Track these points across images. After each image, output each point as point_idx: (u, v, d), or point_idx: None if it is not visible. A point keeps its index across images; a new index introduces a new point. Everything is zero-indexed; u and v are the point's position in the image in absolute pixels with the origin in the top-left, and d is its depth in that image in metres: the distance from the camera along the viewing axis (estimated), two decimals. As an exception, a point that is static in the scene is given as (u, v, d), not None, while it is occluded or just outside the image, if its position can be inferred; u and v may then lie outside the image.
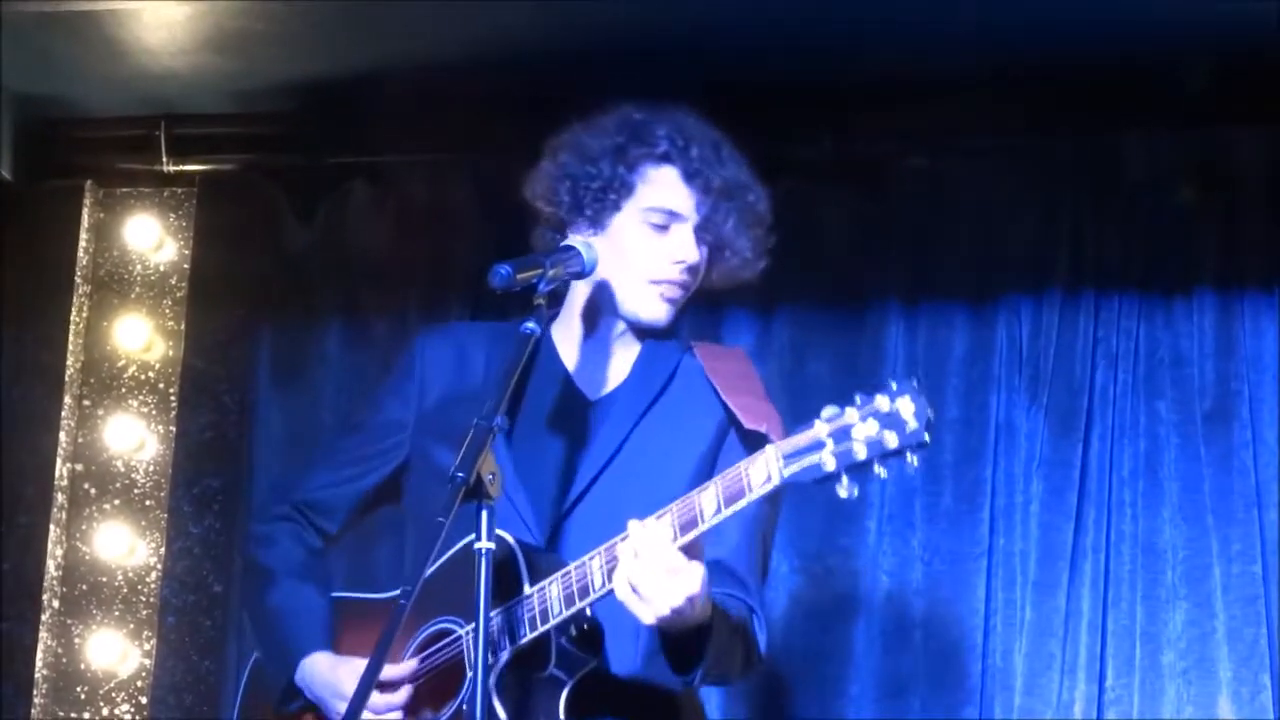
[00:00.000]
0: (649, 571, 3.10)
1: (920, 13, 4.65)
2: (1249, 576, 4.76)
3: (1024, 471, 4.94)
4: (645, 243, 3.50)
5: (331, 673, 3.49)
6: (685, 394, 3.51)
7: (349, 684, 3.40)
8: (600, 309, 3.57)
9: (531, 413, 3.47)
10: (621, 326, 3.56)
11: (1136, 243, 5.00)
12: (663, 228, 3.50)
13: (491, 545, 3.06)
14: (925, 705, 4.88)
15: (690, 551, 3.15)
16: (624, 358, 3.58)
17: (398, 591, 3.13)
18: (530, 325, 3.28)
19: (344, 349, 5.35)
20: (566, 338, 3.60)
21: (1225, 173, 4.98)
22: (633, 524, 3.15)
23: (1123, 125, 5.03)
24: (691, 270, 3.51)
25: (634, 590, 3.11)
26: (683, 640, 3.22)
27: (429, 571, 3.17)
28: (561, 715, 3.27)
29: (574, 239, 3.52)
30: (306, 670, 3.54)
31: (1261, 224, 4.94)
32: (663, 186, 3.52)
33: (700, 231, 3.50)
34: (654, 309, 3.52)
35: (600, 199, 3.53)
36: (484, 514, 3.06)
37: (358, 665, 3.42)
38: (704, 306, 4.99)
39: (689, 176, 3.50)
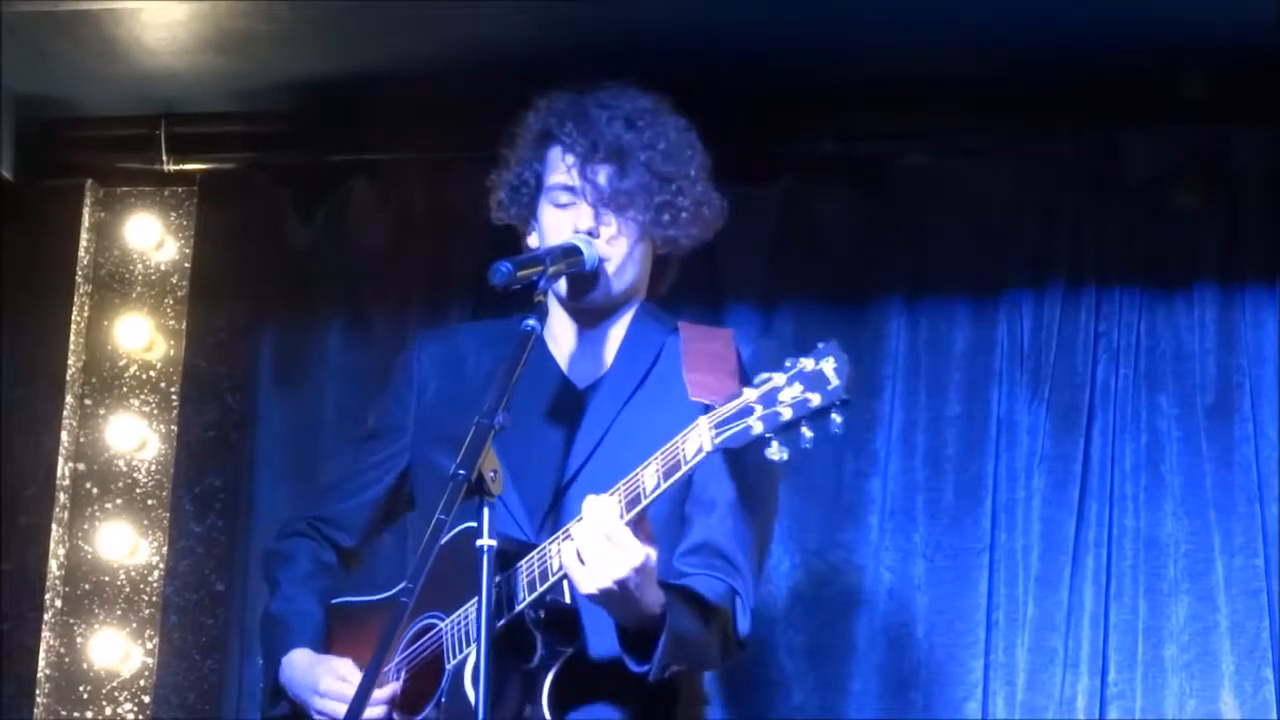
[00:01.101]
0: (592, 538, 3.14)
1: (921, 11, 4.65)
2: (1251, 570, 4.76)
3: (1025, 467, 4.94)
4: (554, 223, 3.55)
5: (309, 671, 3.51)
6: (669, 377, 3.51)
7: (325, 681, 3.44)
8: (556, 298, 3.59)
9: (522, 407, 3.48)
10: (599, 312, 3.59)
11: (1137, 237, 5.00)
12: (565, 205, 3.55)
13: (493, 543, 3.08)
14: (928, 701, 4.87)
15: (641, 535, 3.18)
16: (610, 343, 3.61)
17: (394, 591, 3.14)
18: (531, 323, 3.31)
19: (345, 347, 5.35)
20: (551, 330, 3.62)
21: (1225, 168, 4.98)
22: (588, 499, 3.20)
23: (1123, 121, 5.04)
24: (591, 236, 3.51)
25: (579, 557, 3.16)
26: (639, 632, 3.24)
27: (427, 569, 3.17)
28: (544, 704, 3.29)
29: (531, 238, 3.58)
30: (286, 669, 3.57)
31: (1262, 218, 4.95)
32: (553, 166, 3.58)
33: (598, 201, 3.53)
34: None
35: (521, 193, 3.62)
36: (485, 511, 3.08)
37: (335, 664, 3.46)
38: (706, 301, 5.02)
39: (566, 149, 3.55)
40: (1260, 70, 4.78)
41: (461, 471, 3.06)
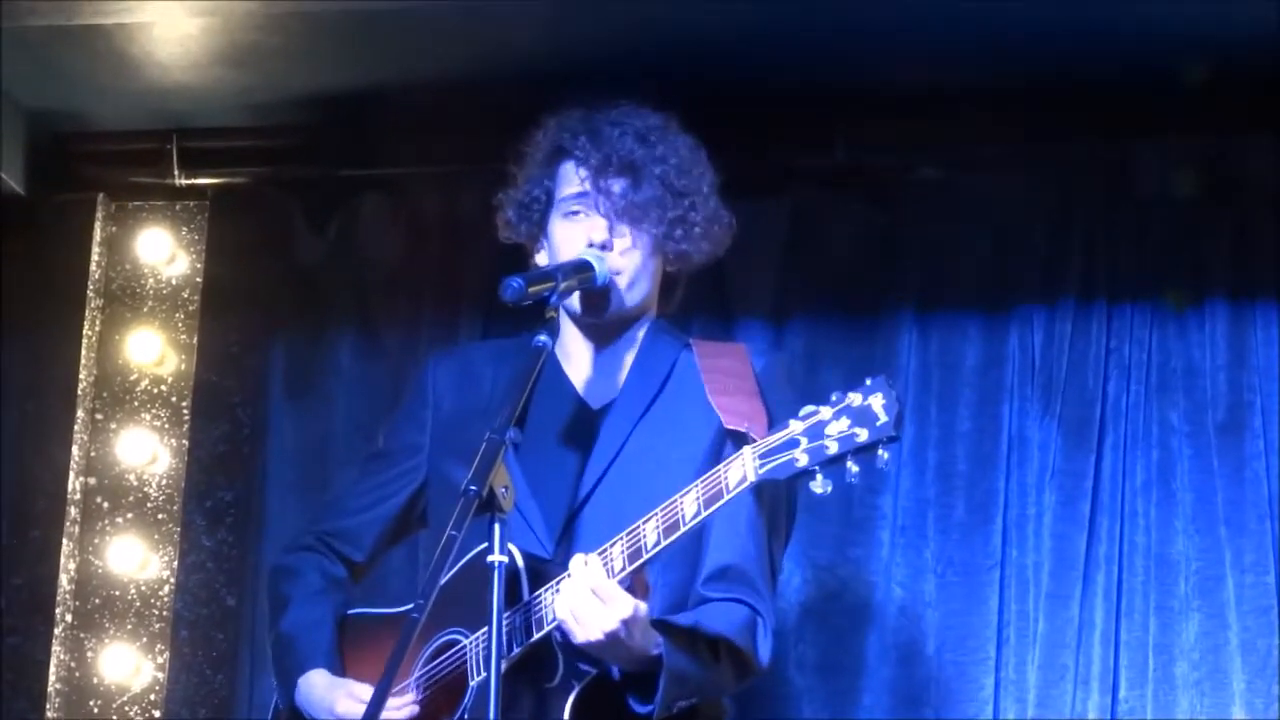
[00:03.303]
0: (580, 595, 3.22)
1: (931, 23, 4.65)
2: (1262, 587, 4.75)
3: (1036, 482, 4.93)
4: (567, 236, 3.58)
5: (327, 693, 3.51)
6: (683, 393, 3.54)
7: (343, 705, 3.44)
8: (569, 314, 3.60)
9: (539, 425, 3.50)
10: (612, 330, 3.59)
11: (1148, 252, 4.99)
12: (576, 214, 3.58)
13: (504, 559, 3.10)
14: (938, 717, 4.87)
15: (634, 586, 3.26)
16: (622, 360, 3.62)
17: (409, 606, 3.16)
18: (543, 339, 3.32)
19: (357, 360, 5.35)
20: (565, 349, 3.63)
21: (1237, 182, 4.97)
22: (575, 558, 3.27)
23: (1134, 134, 5.03)
24: (604, 249, 3.54)
25: (573, 614, 3.23)
26: (641, 675, 3.30)
27: (440, 583, 3.19)
28: None
29: (540, 256, 3.59)
30: (304, 690, 3.57)
31: (1273, 233, 4.93)
32: (565, 180, 3.61)
33: (612, 213, 3.55)
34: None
35: (531, 209, 3.65)
36: (496, 527, 3.10)
37: (353, 687, 3.47)
38: (716, 315, 5.02)
39: (580, 163, 3.58)
40: (1273, 82, 4.77)
41: (473, 488, 3.07)
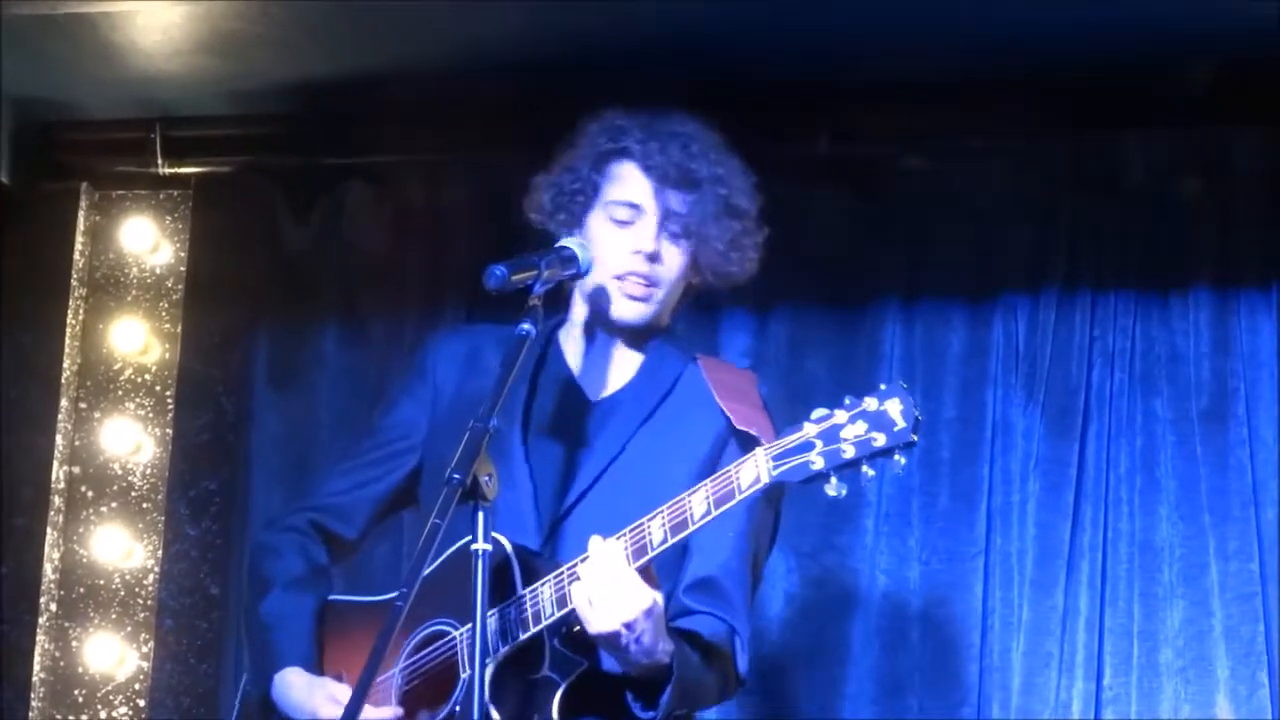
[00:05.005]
0: (599, 580, 3.17)
1: (917, 13, 4.65)
2: (1246, 574, 4.76)
3: (1021, 470, 4.93)
4: (609, 237, 3.54)
5: (307, 696, 3.48)
6: (688, 402, 3.52)
7: (325, 709, 3.40)
8: (590, 311, 3.59)
9: (540, 416, 3.50)
10: (616, 329, 3.58)
11: (1133, 241, 5.00)
12: (626, 222, 3.54)
13: (488, 547, 3.08)
14: (923, 704, 4.87)
15: (649, 580, 3.21)
16: (627, 361, 3.61)
17: (393, 595, 3.15)
18: (525, 327, 3.30)
19: (341, 350, 5.34)
20: (571, 341, 3.63)
21: (1222, 171, 4.97)
22: (593, 540, 3.22)
23: (1120, 124, 5.03)
24: (652, 259, 3.52)
25: (589, 600, 3.18)
26: (646, 680, 3.27)
27: (426, 573, 3.18)
28: (555, 716, 3.29)
29: (565, 242, 3.56)
30: (280, 687, 3.53)
31: (1258, 221, 4.94)
32: (622, 181, 3.56)
33: (664, 223, 3.52)
34: (621, 306, 3.55)
35: (573, 200, 3.59)
36: (480, 515, 3.08)
37: (332, 688, 3.44)
38: (701, 307, 5.01)
39: (646, 169, 3.53)
40: (1257, 72, 4.77)
41: (456, 476, 3.06)
